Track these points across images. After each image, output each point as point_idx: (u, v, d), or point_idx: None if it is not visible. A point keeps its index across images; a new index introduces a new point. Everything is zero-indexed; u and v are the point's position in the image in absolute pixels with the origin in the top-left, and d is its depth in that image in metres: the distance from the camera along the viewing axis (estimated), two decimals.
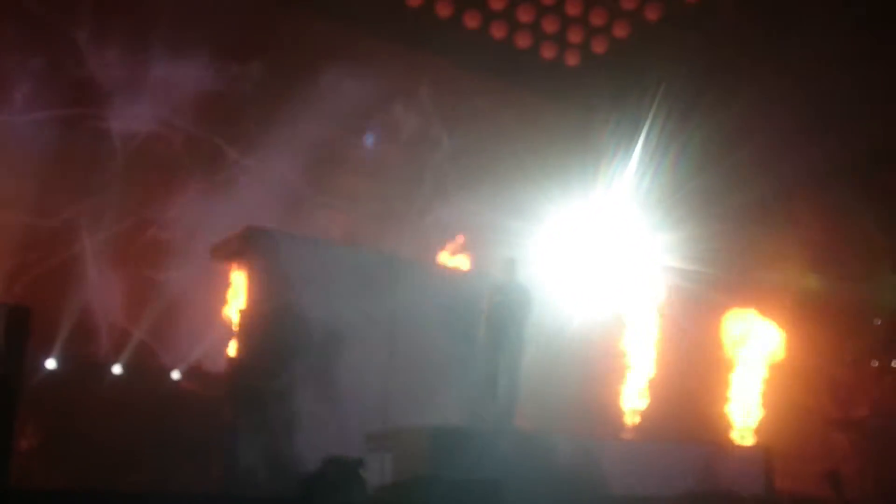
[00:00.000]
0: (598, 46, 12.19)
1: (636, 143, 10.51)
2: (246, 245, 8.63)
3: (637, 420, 10.80)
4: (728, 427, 11.15)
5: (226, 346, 9.39)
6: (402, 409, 8.45)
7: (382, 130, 11.20)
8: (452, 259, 10.77)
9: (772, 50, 10.75)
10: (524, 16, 12.16)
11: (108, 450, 7.79)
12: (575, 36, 12.24)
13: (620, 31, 12.09)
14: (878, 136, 10.90)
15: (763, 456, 10.22)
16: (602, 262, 10.53)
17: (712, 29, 10.93)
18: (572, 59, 12.28)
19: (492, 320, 8.68)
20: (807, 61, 10.27)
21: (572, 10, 12.16)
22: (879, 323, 11.89)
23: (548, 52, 12.23)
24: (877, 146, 11.02)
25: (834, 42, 10.18)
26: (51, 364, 8.97)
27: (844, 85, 10.24)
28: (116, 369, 9.30)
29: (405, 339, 8.77)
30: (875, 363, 11.92)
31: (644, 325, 11.11)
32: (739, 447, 10.86)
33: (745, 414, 11.16)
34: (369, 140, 10.72)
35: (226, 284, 9.46)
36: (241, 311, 8.63)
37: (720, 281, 10.86)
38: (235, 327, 8.66)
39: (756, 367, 11.34)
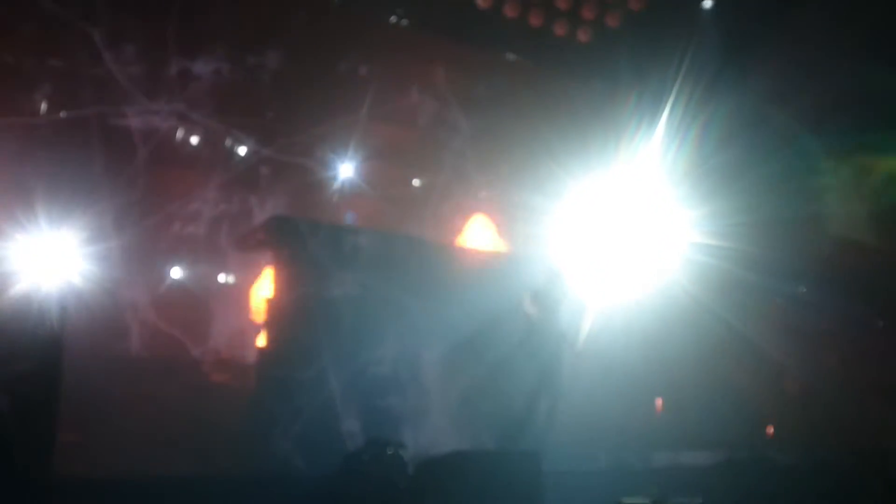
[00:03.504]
0: (612, 20, 12.14)
1: (660, 116, 10.37)
2: (270, 234, 8.67)
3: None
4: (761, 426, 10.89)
5: (255, 336, 9.46)
6: (436, 393, 8.46)
7: (400, 115, 11.16)
8: (476, 241, 10.75)
9: (792, 19, 10.51)
10: None
11: (144, 441, 7.87)
12: (589, 12, 12.19)
13: (635, 3, 12.02)
14: None
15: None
16: (627, 239, 10.42)
17: None
18: (587, 35, 12.21)
19: (533, 335, 8.44)
20: (833, 29, 10.00)
21: None
22: None
23: (561, 29, 12.17)
24: None
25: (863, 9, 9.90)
26: (84, 361, 9.05)
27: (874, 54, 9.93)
28: (148, 364, 9.38)
29: (437, 323, 8.77)
30: None
31: (669, 305, 10.93)
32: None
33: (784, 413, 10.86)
34: None
35: (252, 275, 9.50)
36: (268, 301, 8.67)
37: (749, 258, 10.63)
38: (264, 317, 8.71)
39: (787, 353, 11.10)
